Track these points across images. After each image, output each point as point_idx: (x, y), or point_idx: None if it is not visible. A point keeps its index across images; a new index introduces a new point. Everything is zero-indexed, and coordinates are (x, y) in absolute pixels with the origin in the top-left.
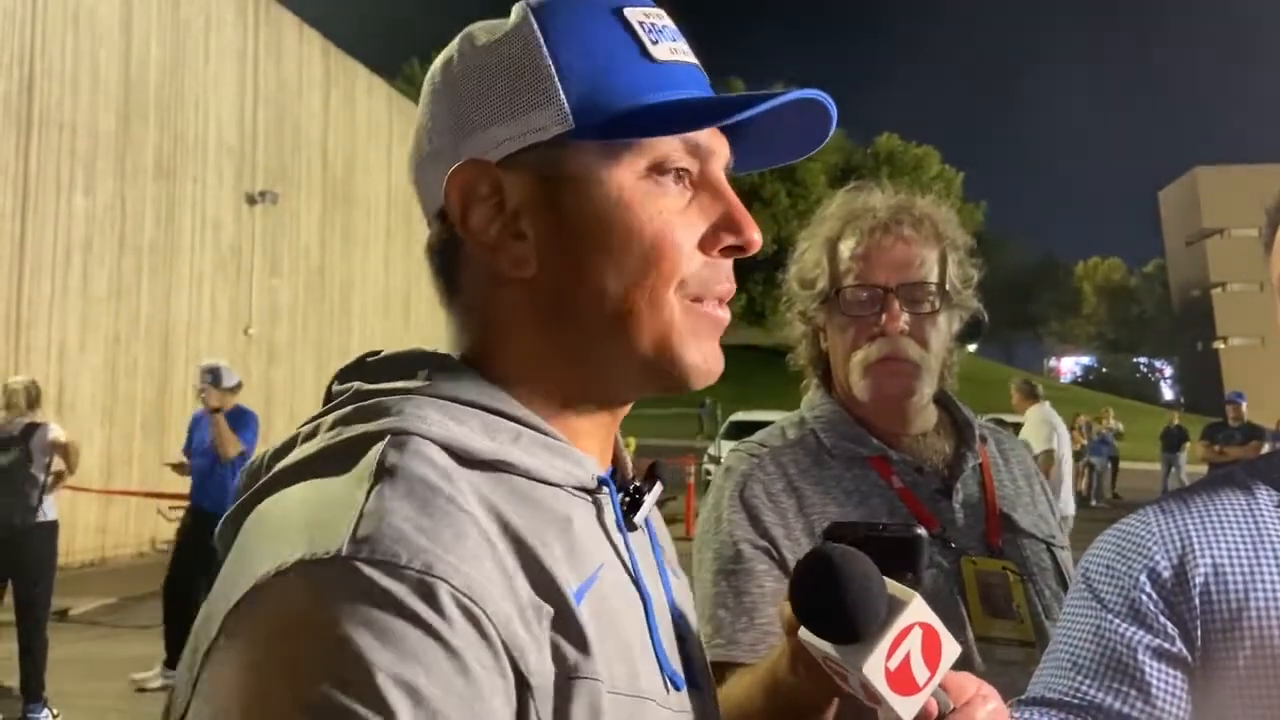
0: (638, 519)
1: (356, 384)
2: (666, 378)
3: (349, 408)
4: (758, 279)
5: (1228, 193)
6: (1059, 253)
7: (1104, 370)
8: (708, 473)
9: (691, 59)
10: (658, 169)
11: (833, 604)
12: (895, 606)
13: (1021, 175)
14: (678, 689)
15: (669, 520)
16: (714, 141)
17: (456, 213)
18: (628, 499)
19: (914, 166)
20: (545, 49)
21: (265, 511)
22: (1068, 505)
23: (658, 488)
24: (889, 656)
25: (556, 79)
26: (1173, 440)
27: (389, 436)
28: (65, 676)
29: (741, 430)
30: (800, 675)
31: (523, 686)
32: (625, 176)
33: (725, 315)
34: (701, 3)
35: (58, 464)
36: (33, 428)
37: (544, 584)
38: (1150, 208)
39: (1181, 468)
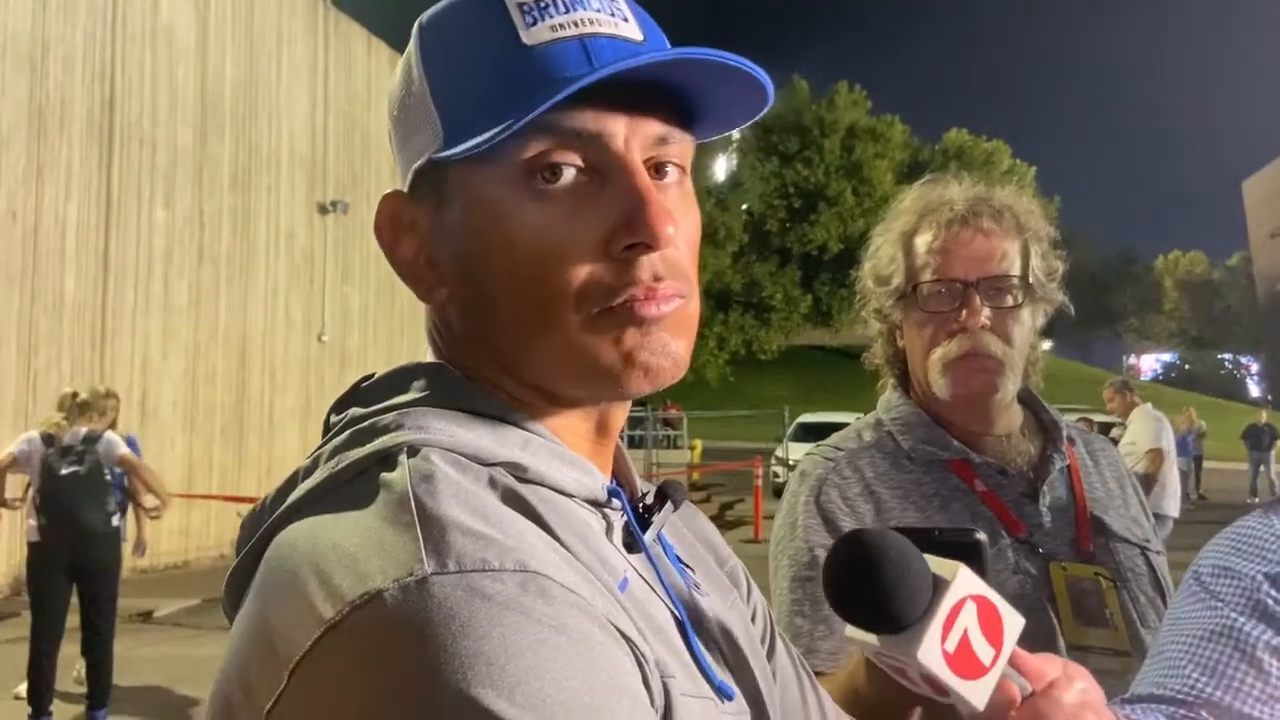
0: (648, 537)
1: (352, 410)
2: (597, 390)
3: (345, 434)
4: (824, 279)
5: None
6: (1137, 247)
7: (1186, 367)
8: (775, 475)
9: (587, 30)
10: (530, 171)
11: (869, 591)
12: (940, 583)
13: (1097, 169)
14: (729, 698)
15: (735, 524)
16: (604, 121)
17: (385, 244)
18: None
19: (984, 162)
20: (422, 67)
21: (290, 547)
22: (1173, 506)
23: (668, 508)
24: (944, 638)
25: (430, 97)
26: (1260, 439)
27: (405, 450)
28: (149, 677)
29: (809, 432)
30: (877, 685)
31: (640, 662)
32: (493, 188)
33: (661, 310)
34: (765, 3)
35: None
36: (95, 435)
37: (591, 581)
38: (1233, 198)
39: (1270, 467)
